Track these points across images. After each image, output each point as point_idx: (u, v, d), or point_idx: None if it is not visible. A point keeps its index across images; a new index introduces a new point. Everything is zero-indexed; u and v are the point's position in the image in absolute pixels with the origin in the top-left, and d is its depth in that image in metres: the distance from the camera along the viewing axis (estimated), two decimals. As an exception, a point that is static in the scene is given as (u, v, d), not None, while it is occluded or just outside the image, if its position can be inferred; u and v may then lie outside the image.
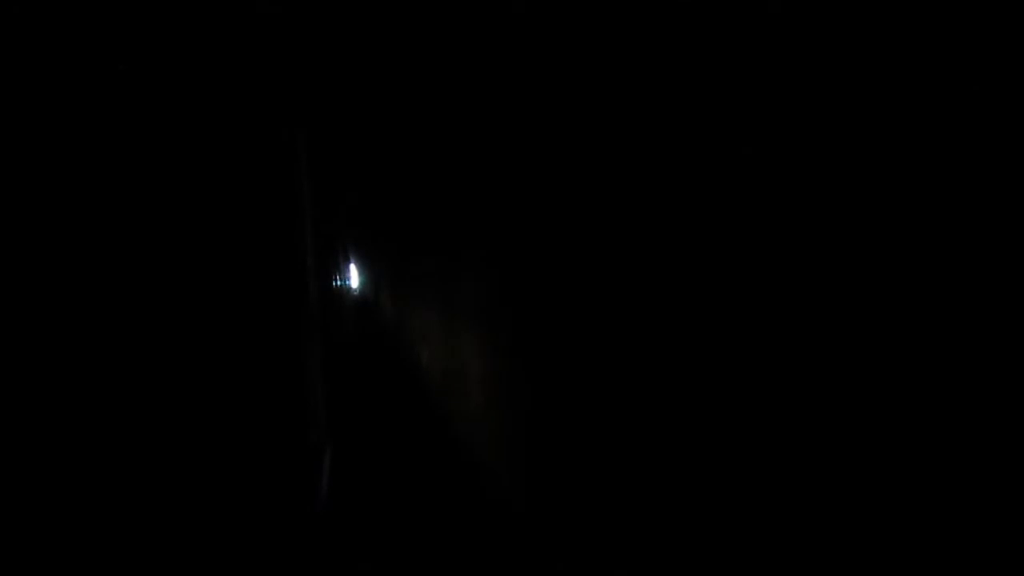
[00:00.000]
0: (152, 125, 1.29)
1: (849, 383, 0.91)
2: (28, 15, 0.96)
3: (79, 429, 1.09)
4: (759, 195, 1.07)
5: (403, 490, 3.60)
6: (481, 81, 2.39)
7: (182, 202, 1.40)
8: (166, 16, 1.30)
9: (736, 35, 1.07)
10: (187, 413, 1.41)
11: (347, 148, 4.20)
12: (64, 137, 1.07)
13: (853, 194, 0.90)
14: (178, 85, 1.37)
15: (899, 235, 0.83)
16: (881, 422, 0.86)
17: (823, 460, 0.97)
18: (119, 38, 1.18)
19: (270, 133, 1.97)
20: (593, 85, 1.60)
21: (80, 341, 1.10)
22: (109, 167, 1.18)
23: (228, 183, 1.61)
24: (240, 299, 1.70)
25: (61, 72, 1.03)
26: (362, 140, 3.92)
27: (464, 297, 3.66)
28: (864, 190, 0.88)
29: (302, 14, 2.14)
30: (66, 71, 1.04)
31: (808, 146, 0.97)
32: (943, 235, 0.78)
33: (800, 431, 1.01)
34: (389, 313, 8.66)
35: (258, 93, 1.78)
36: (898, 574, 0.84)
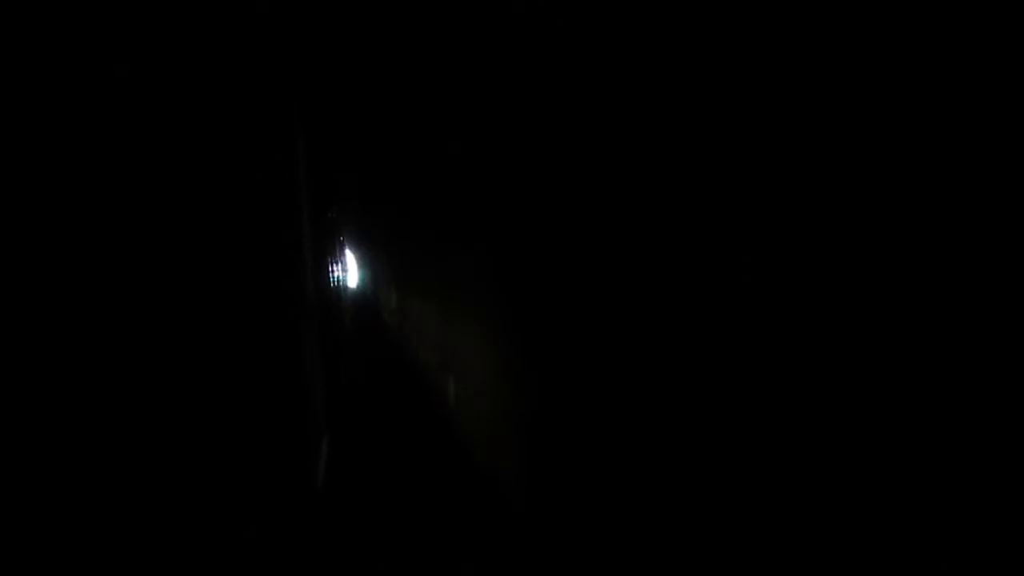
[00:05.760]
0: (150, 122, 1.29)
1: (849, 383, 0.93)
2: (28, 15, 0.96)
3: (81, 419, 1.10)
4: (759, 194, 1.08)
5: (399, 480, 3.62)
6: (482, 75, 2.38)
7: (181, 197, 1.41)
8: (165, 13, 1.29)
9: (736, 35, 1.07)
10: (186, 403, 1.42)
11: (345, 142, 4.18)
12: (65, 135, 1.07)
13: (853, 194, 0.91)
14: (177, 82, 1.37)
15: (899, 235, 0.84)
16: (881, 422, 0.87)
17: (822, 460, 0.98)
18: (119, 37, 1.18)
19: (268, 128, 1.97)
20: (593, 79, 1.60)
21: (81, 334, 1.11)
22: (107, 161, 1.19)
23: (227, 178, 1.61)
24: (239, 292, 1.71)
25: (61, 72, 1.04)
26: (360, 133, 3.91)
27: (463, 289, 3.66)
28: (864, 190, 0.89)
29: (302, 12, 2.13)
30: (66, 71, 1.05)
31: (808, 146, 0.98)
32: (943, 235, 0.78)
33: (799, 430, 1.03)
34: (387, 305, 8.65)
35: (256, 89, 1.78)
36: (897, 574, 0.85)
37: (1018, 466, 0.69)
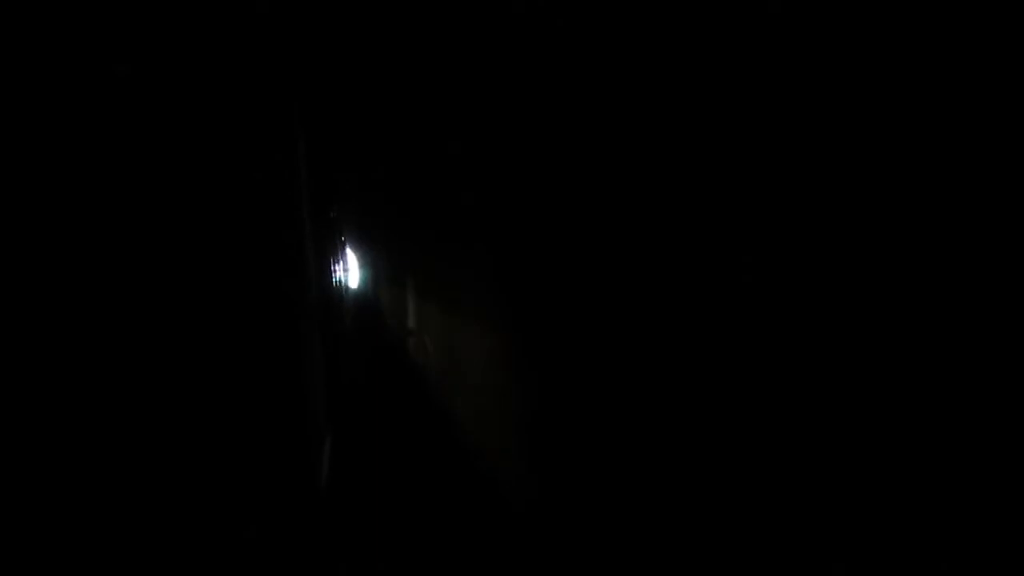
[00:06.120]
0: (150, 122, 1.29)
1: (849, 383, 0.92)
2: (28, 15, 0.96)
3: (81, 420, 1.10)
4: (760, 194, 1.08)
5: (402, 480, 3.62)
6: (482, 75, 2.38)
7: (181, 197, 1.41)
8: (165, 13, 1.29)
9: (736, 35, 1.07)
10: (187, 404, 1.42)
11: (346, 141, 4.18)
12: (65, 135, 1.07)
13: (853, 194, 0.90)
14: (177, 82, 1.37)
15: (899, 235, 0.84)
16: (881, 422, 0.87)
17: (822, 459, 0.98)
18: (119, 37, 1.18)
19: (269, 128, 1.97)
20: (593, 79, 1.60)
21: (80, 335, 1.11)
22: (106, 161, 1.19)
23: (228, 178, 1.61)
24: (241, 292, 1.71)
25: (61, 72, 1.04)
26: (362, 133, 3.91)
27: (465, 289, 3.66)
28: (864, 190, 0.89)
29: (302, 12, 2.13)
30: (66, 71, 1.05)
31: (808, 147, 0.97)
32: (943, 235, 0.78)
33: (799, 429, 1.02)
34: (389, 305, 8.65)
35: (256, 89, 1.77)
36: (897, 574, 0.85)
37: (1018, 466, 0.69)
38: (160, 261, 1.33)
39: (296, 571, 2.07)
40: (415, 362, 6.11)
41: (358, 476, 3.76)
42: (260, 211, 1.88)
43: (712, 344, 1.21)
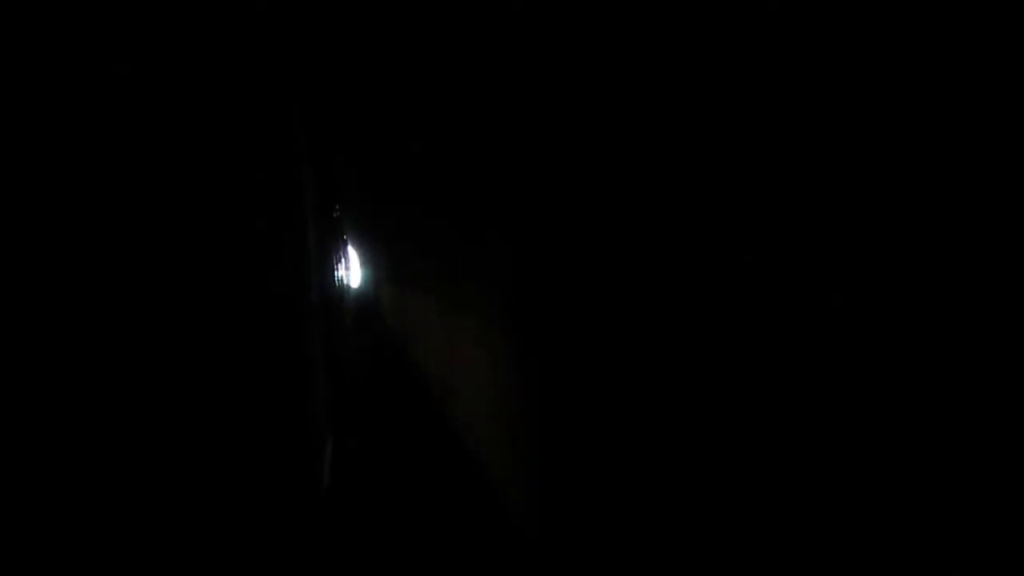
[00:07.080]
0: (150, 122, 1.29)
1: (851, 384, 0.92)
2: (28, 15, 0.96)
3: (82, 420, 1.10)
4: (759, 194, 1.07)
5: (402, 481, 3.62)
6: (483, 75, 2.38)
7: (182, 198, 1.40)
8: (165, 13, 1.29)
9: (736, 35, 1.07)
10: (188, 404, 1.42)
11: (348, 140, 4.18)
12: (65, 135, 1.07)
13: (853, 195, 0.90)
14: (177, 82, 1.36)
15: (899, 235, 0.83)
16: (881, 422, 0.87)
17: (827, 464, 0.97)
18: (118, 37, 1.18)
19: (270, 127, 1.96)
20: (593, 78, 1.59)
21: (80, 335, 1.11)
22: (107, 162, 1.18)
23: (229, 178, 1.61)
24: (242, 292, 1.71)
25: (61, 72, 1.03)
26: (363, 132, 3.91)
27: (466, 289, 3.66)
28: (864, 191, 0.88)
29: (302, 12, 2.13)
30: (66, 71, 1.04)
31: (807, 147, 0.97)
32: (943, 235, 0.78)
33: (804, 436, 1.02)
34: (390, 305, 8.66)
35: (258, 89, 1.77)
36: (898, 574, 0.85)
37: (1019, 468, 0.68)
38: (161, 261, 1.33)
39: (297, 571, 2.06)
40: (416, 362, 6.12)
41: (359, 477, 3.76)
42: (261, 211, 1.88)
43: (714, 346, 1.21)
